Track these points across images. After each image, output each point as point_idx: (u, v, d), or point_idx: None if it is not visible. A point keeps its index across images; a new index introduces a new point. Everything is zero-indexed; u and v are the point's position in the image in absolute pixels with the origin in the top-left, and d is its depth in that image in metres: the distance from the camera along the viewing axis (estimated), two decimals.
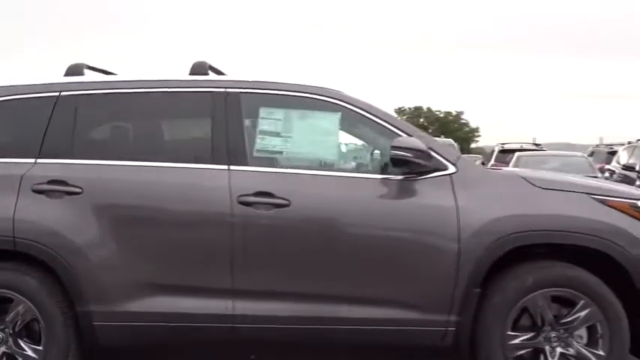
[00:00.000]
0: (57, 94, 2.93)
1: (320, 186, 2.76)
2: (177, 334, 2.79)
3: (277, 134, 2.84)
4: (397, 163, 2.65)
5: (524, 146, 13.82)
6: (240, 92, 2.90)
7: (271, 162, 2.84)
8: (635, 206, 2.77)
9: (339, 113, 2.88)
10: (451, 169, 2.77)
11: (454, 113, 52.50)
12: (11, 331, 2.75)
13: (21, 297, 2.73)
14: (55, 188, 2.75)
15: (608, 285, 2.71)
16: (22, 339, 2.75)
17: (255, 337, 2.79)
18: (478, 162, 15.82)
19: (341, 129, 2.90)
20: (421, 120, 52.79)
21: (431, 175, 2.75)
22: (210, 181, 2.74)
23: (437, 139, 3.97)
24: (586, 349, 2.69)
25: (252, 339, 2.82)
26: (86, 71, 3.12)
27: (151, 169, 2.79)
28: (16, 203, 2.74)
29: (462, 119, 52.60)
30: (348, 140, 3.18)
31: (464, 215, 2.68)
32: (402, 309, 2.69)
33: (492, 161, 13.23)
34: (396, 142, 2.65)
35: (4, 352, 2.76)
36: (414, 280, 2.70)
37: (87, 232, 2.73)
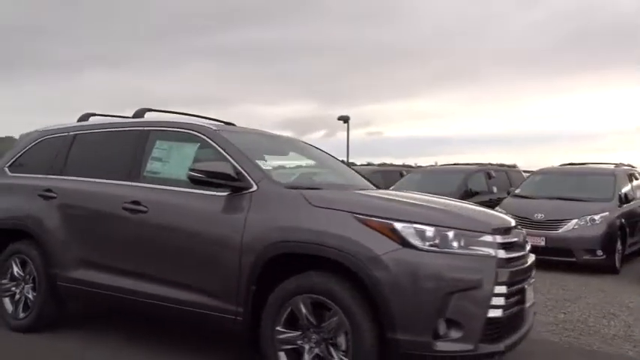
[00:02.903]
0: (66, 134, 4.56)
1: (169, 198, 3.68)
2: (100, 298, 4.04)
3: (160, 160, 3.89)
4: (195, 182, 3.40)
5: None
6: (150, 130, 4.05)
7: (152, 180, 3.86)
8: (389, 227, 2.92)
9: (198, 144, 3.77)
10: (254, 187, 3.38)
11: None
12: (26, 283, 4.41)
13: (28, 258, 4.37)
14: (46, 194, 4.33)
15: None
16: (29, 288, 4.38)
17: (127, 307, 3.86)
18: None
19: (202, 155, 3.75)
20: None
21: (242, 192, 3.41)
22: (114, 192, 3.94)
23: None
24: (336, 356, 2.95)
25: (129, 308, 3.90)
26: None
27: (90, 183, 4.14)
28: (30, 203, 4.41)
29: None
30: None
31: (249, 225, 3.27)
32: (207, 296, 3.39)
33: None
34: (194, 165, 3.42)
35: (24, 296, 4.42)
36: (216, 274, 3.37)
37: (56, 223, 4.21)
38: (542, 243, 8.12)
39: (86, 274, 4.01)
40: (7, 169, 4.84)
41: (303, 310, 3.06)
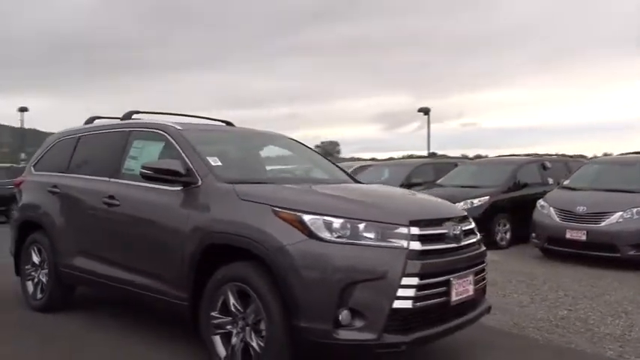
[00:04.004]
0: (73, 136, 5.08)
1: (136, 193, 4.02)
2: (90, 283, 4.50)
3: (135, 158, 4.25)
4: (146, 177, 3.68)
5: None
6: (130, 130, 4.43)
7: (128, 177, 4.21)
8: (298, 219, 3.03)
9: (163, 142, 4.07)
10: (199, 182, 3.61)
11: None
12: (42, 268, 4.98)
13: (42, 247, 4.93)
14: (53, 190, 4.87)
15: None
16: (44, 273, 4.96)
17: (109, 292, 4.26)
18: None
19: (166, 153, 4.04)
20: None
21: (191, 187, 3.66)
22: (98, 188, 4.36)
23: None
24: (254, 341, 3.13)
25: (110, 293, 4.29)
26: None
27: (83, 179, 4.61)
28: (42, 197, 4.98)
29: None
30: None
31: (191, 218, 3.52)
32: (164, 283, 3.68)
33: None
34: (144, 163, 3.71)
35: (40, 280, 5.00)
36: (168, 263, 3.65)
37: (58, 215, 4.74)
38: (584, 237, 7.70)
39: (79, 261, 4.48)
40: (32, 168, 5.48)
41: (231, 298, 3.26)
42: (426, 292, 3.03)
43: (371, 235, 3.01)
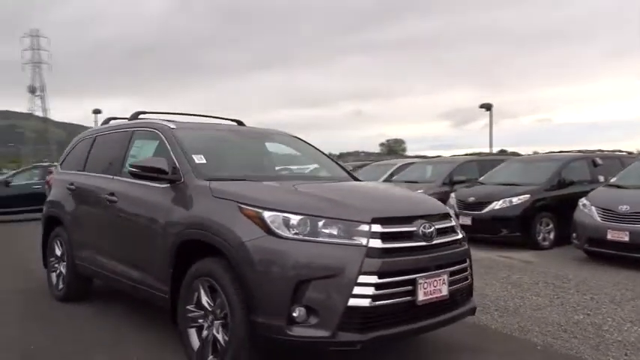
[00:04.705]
0: (91, 136, 5.36)
1: (131, 190, 4.18)
2: (98, 276, 4.74)
3: (134, 156, 4.42)
4: (134, 175, 3.82)
5: None
6: (133, 130, 4.62)
7: (127, 175, 4.39)
8: (258, 215, 3.05)
9: (157, 141, 4.22)
10: (182, 180, 3.72)
11: None
12: (63, 261, 5.30)
13: (63, 241, 5.25)
14: (70, 187, 5.16)
15: None
16: (65, 265, 5.27)
17: (112, 284, 4.47)
18: None
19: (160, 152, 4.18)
20: None
21: (175, 184, 3.77)
22: (103, 185, 4.58)
23: None
24: (220, 335, 3.18)
25: (113, 285, 4.51)
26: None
27: (92, 176, 4.86)
28: (62, 194, 5.29)
29: None
30: None
31: (171, 215, 3.63)
32: (151, 276, 3.82)
33: None
34: (133, 162, 3.85)
35: (62, 271, 5.32)
36: (154, 257, 3.77)
37: (73, 210, 5.03)
38: (626, 238, 7.21)
39: (89, 255, 4.73)
40: (59, 167, 5.83)
41: (202, 292, 3.33)
42: (386, 290, 2.96)
43: (330, 232, 2.98)
